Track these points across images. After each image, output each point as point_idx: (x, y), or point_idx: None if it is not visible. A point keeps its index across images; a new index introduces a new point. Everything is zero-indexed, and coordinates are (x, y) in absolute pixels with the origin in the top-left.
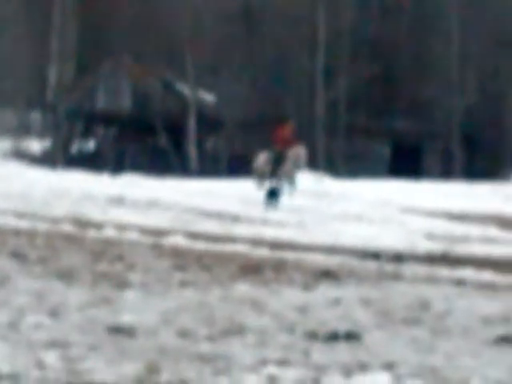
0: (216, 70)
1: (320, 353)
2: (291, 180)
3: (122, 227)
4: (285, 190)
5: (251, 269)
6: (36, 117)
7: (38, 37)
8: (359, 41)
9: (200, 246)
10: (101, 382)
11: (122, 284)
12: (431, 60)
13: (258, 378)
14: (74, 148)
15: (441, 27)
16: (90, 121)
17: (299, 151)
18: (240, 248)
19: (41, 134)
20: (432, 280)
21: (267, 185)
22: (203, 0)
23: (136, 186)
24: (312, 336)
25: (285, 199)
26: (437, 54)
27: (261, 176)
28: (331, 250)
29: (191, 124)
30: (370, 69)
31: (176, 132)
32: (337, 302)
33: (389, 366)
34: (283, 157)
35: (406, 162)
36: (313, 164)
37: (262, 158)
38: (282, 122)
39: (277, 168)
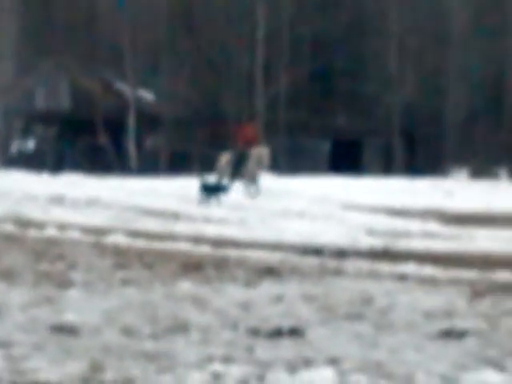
0: (155, 68)
1: (264, 349)
2: (254, 180)
3: (63, 226)
4: (246, 189)
5: (193, 266)
6: None
7: None
8: (299, 38)
9: (141, 244)
10: (45, 382)
11: (64, 283)
12: (370, 56)
13: (203, 375)
14: (14, 148)
15: (380, 24)
16: (29, 120)
17: (262, 151)
18: (182, 246)
19: None
20: (374, 275)
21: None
22: None
23: (76, 185)
24: (255, 332)
25: (240, 198)
26: (376, 51)
27: (222, 176)
28: (273, 246)
29: (131, 122)
30: (309, 65)
31: (116, 131)
32: (279, 298)
33: (333, 362)
34: (246, 157)
35: (347, 158)
36: None
37: (224, 159)
38: (245, 123)
39: (239, 168)
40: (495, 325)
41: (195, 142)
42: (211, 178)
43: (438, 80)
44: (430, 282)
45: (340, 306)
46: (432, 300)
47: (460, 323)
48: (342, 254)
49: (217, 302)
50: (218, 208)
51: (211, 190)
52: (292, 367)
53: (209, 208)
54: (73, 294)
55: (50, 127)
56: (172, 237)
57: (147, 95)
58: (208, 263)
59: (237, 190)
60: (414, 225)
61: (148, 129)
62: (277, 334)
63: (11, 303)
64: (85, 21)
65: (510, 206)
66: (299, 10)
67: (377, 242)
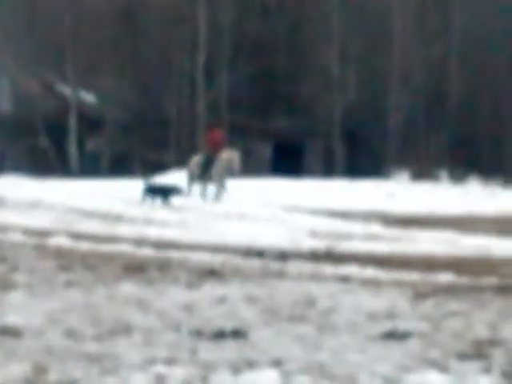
0: (97, 70)
1: (207, 351)
2: (221, 183)
3: (4, 228)
4: (213, 192)
5: (136, 268)
6: None
7: None
8: (240, 40)
9: (84, 246)
10: None
11: (6, 285)
12: (312, 59)
13: (146, 376)
14: None
15: (321, 26)
16: None
17: (233, 155)
18: (124, 248)
19: None
20: (317, 277)
21: (194, 186)
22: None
23: (17, 186)
24: (198, 334)
25: (207, 200)
26: (317, 53)
27: (191, 178)
28: (215, 248)
29: (72, 124)
30: (250, 68)
31: (57, 133)
32: (222, 300)
33: (276, 363)
34: (213, 160)
35: (288, 161)
36: None
37: (193, 161)
38: (212, 127)
39: (206, 171)
40: (437, 326)
41: (137, 144)
42: (159, 180)
43: (380, 82)
44: (373, 284)
45: (283, 307)
46: (375, 301)
47: (402, 324)
48: (284, 255)
49: (159, 303)
50: (161, 210)
51: (159, 192)
52: (235, 368)
53: (152, 210)
54: (15, 296)
55: None
56: (114, 239)
57: (89, 97)
58: (150, 265)
59: (194, 193)
60: (356, 227)
61: (89, 131)
62: (220, 335)
63: None
64: (25, 21)
65: (451, 208)
66: (240, 12)
67: (319, 244)
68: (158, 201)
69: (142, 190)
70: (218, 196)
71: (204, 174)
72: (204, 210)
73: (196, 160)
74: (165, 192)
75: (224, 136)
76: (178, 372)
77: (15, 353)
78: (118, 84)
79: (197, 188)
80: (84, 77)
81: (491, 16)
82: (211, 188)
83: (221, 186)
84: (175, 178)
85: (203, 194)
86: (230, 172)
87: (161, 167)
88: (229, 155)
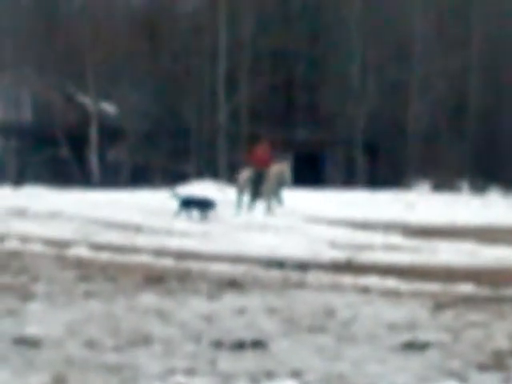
0: (117, 80)
1: (227, 361)
2: (274, 197)
3: (25, 239)
4: (267, 207)
5: (156, 279)
6: None
7: None
8: (260, 50)
9: (104, 256)
10: None
11: (26, 296)
12: (332, 69)
13: None
14: None
15: (341, 36)
16: None
17: (283, 168)
18: (144, 258)
19: None
20: (337, 288)
21: (244, 202)
22: (103, 10)
23: (38, 197)
24: (218, 345)
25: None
26: (338, 63)
27: (241, 192)
28: (236, 259)
29: (93, 135)
30: (271, 78)
31: (78, 143)
32: (242, 310)
33: (296, 374)
34: (263, 176)
35: (309, 171)
36: (215, 174)
37: (243, 176)
38: (257, 143)
39: (257, 188)
40: (457, 337)
41: (157, 154)
42: (194, 193)
43: (400, 92)
44: (393, 295)
45: (302, 318)
46: (395, 312)
47: (422, 335)
48: (304, 266)
49: (180, 314)
50: (200, 224)
51: (195, 205)
52: (255, 379)
53: (189, 222)
54: (35, 306)
55: (11, 139)
56: (134, 249)
57: (109, 108)
58: (171, 276)
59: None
60: (377, 237)
61: (110, 141)
62: (240, 346)
63: None
64: (46, 32)
65: (471, 219)
66: (261, 22)
67: (339, 255)
68: (194, 214)
69: (177, 203)
70: (269, 210)
71: (255, 190)
72: (223, 220)
73: (245, 175)
74: (201, 205)
75: (271, 150)
76: (197, 382)
77: (34, 363)
78: (138, 94)
79: (245, 203)
80: (104, 87)
81: None
82: (260, 203)
83: (272, 201)
84: (197, 188)
85: (251, 208)
86: (282, 185)
87: (181, 177)
88: (279, 169)
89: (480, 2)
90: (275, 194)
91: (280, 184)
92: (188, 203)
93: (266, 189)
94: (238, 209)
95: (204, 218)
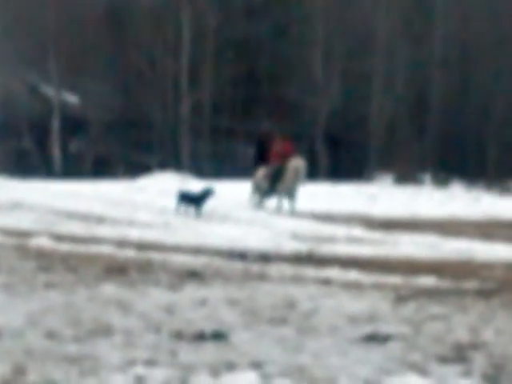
0: (80, 71)
1: (187, 353)
2: (292, 193)
3: None
4: (284, 203)
5: (117, 270)
6: None
7: None
8: (224, 42)
9: (65, 247)
10: None
11: None
12: (296, 61)
13: (126, 378)
14: None
15: (305, 29)
16: None
17: (298, 163)
18: (105, 249)
19: None
20: (298, 280)
21: (264, 200)
22: (67, 1)
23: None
24: (179, 336)
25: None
26: (301, 56)
27: (258, 191)
28: (197, 250)
29: (55, 125)
30: (234, 71)
31: (40, 133)
32: (203, 302)
33: (256, 366)
34: (282, 172)
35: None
36: (178, 165)
37: (260, 174)
38: (279, 138)
39: (276, 183)
40: (418, 329)
41: (120, 145)
42: (193, 188)
43: (363, 86)
44: (354, 287)
45: (264, 309)
46: (356, 304)
47: (384, 328)
48: (266, 258)
49: (140, 305)
50: (193, 219)
51: (191, 200)
52: (215, 371)
53: (186, 218)
54: None
55: None
56: (96, 240)
57: (72, 98)
58: (132, 266)
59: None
60: (339, 230)
61: (72, 132)
62: (200, 337)
63: None
64: (8, 23)
65: (433, 212)
66: (224, 14)
67: (301, 247)
68: (192, 209)
69: (175, 199)
70: (290, 207)
71: (273, 186)
72: (186, 213)
73: (263, 172)
74: (197, 199)
75: (293, 146)
76: (157, 373)
77: None
78: (101, 85)
79: (262, 200)
80: (67, 78)
81: (475, 21)
82: (274, 200)
83: (292, 196)
84: (159, 179)
85: (259, 205)
86: (298, 180)
87: (144, 169)
88: (297, 163)
89: None
90: (291, 190)
91: (297, 179)
92: (184, 198)
93: (282, 185)
94: (256, 205)
95: (199, 214)
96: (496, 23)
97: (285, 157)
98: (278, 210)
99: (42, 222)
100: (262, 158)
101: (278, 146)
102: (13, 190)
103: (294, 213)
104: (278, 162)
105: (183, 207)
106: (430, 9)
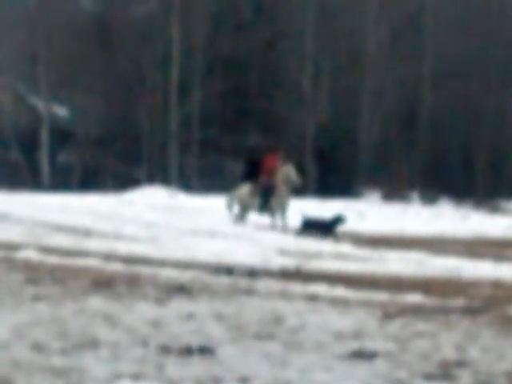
0: (69, 83)
1: (174, 367)
2: (284, 208)
3: None
4: (272, 221)
5: (104, 283)
6: None
7: None
8: (213, 57)
9: (52, 260)
10: None
11: None
12: (285, 76)
13: None
14: None
15: (294, 44)
16: None
17: (287, 169)
18: (93, 262)
19: None
20: (285, 295)
21: (245, 215)
22: (57, 14)
23: None
24: (166, 350)
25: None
26: (290, 71)
27: (244, 208)
28: (184, 265)
29: (44, 137)
30: (223, 85)
31: (28, 145)
32: (190, 316)
33: (243, 381)
34: (272, 187)
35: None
36: (166, 179)
37: (244, 190)
38: (271, 152)
39: (267, 199)
40: (405, 346)
41: (108, 158)
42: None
43: (352, 101)
44: (341, 303)
45: (250, 325)
46: (342, 321)
47: (370, 344)
48: (253, 273)
49: (127, 318)
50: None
51: (318, 227)
52: None
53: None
54: None
55: None
56: (83, 253)
57: (61, 110)
58: (119, 280)
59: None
60: (326, 246)
61: (61, 144)
62: (187, 351)
63: None
64: None
65: (421, 229)
66: (214, 28)
67: (288, 263)
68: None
69: (300, 225)
70: (283, 222)
71: (264, 204)
72: (172, 225)
73: (246, 190)
74: (324, 226)
75: (279, 157)
76: None
77: None
78: (90, 98)
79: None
80: (57, 90)
81: (464, 39)
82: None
83: (284, 211)
84: (148, 193)
85: (239, 220)
86: (292, 186)
87: (132, 182)
88: (284, 172)
89: (432, 14)
90: (283, 205)
91: (289, 187)
92: (312, 225)
93: (276, 200)
94: (235, 220)
95: (336, 238)
96: (485, 40)
97: (272, 171)
98: (273, 227)
99: (30, 235)
100: (250, 177)
101: (269, 161)
102: (0, 202)
103: (286, 228)
104: (266, 177)
105: (308, 233)
106: (419, 25)
